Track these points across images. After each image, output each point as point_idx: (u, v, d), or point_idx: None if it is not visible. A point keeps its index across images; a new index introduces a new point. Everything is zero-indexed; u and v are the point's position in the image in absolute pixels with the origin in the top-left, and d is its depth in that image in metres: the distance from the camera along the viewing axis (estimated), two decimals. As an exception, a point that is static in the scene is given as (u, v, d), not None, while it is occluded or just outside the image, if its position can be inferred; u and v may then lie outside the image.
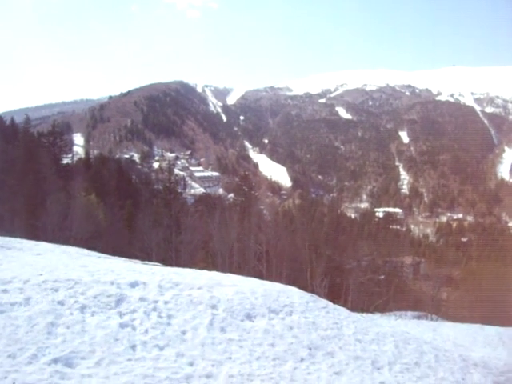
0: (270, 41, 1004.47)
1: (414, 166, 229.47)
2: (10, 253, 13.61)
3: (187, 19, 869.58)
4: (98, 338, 7.62)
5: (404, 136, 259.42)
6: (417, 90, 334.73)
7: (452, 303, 43.69)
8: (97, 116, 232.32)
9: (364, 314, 23.67)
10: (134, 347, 7.66)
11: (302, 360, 8.87)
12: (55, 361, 6.68)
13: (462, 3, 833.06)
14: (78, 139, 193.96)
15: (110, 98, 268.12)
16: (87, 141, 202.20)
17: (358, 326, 11.76)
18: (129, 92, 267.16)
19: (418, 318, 33.03)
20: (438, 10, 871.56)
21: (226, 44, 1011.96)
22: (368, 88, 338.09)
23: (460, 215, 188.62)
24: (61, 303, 8.53)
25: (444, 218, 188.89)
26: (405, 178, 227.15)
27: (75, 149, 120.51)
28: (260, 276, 26.29)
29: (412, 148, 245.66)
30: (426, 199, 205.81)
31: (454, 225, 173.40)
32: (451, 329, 22.21)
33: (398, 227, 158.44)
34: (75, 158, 76.02)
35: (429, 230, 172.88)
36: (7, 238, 17.67)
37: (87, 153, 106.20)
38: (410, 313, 35.34)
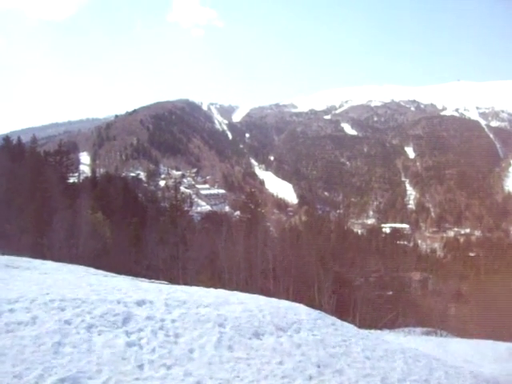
0: (274, 58, 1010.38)
1: (420, 182, 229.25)
2: (16, 272, 13.62)
3: (192, 38, 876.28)
4: (104, 357, 7.57)
5: (410, 151, 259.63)
6: (422, 106, 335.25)
7: (461, 318, 43.33)
8: (103, 135, 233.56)
9: (372, 331, 23.53)
10: (141, 366, 7.60)
11: (310, 378, 8.77)
12: (62, 381, 6.63)
13: (467, 18, 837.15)
14: (85, 158, 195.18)
15: (116, 116, 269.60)
16: (93, 159, 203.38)
17: (367, 343, 11.66)
18: (134, 111, 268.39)
19: (427, 333, 32.78)
20: (442, 25, 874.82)
21: (230, 62, 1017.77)
22: (373, 104, 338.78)
23: (467, 230, 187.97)
24: (67, 322, 8.49)
25: (451, 233, 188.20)
26: (411, 193, 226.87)
27: (81, 167, 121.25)
28: (267, 293, 26.16)
29: (418, 163, 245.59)
30: (432, 214, 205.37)
31: (462, 240, 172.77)
32: (461, 345, 22.03)
33: (405, 243, 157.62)
34: (82, 177, 76.36)
35: (436, 245, 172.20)
36: (14, 257, 17.70)
37: (93, 171, 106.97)
38: (418, 329, 35.08)
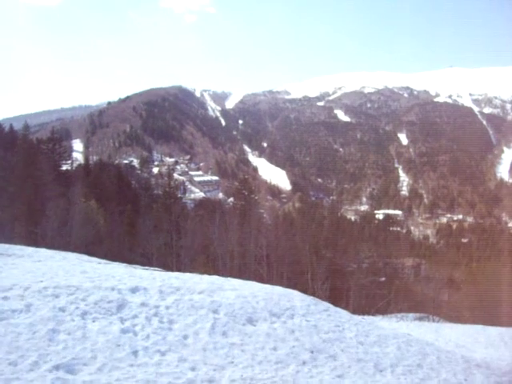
0: (267, 45, 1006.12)
1: (413, 168, 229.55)
2: (10, 260, 13.59)
3: (185, 24, 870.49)
4: (99, 344, 7.60)
5: (403, 138, 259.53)
6: (415, 92, 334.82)
7: (453, 304, 43.64)
8: (96, 122, 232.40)
9: (365, 317, 23.64)
10: (135, 353, 7.64)
11: (304, 363, 8.85)
12: (57, 367, 6.66)
13: (460, 4, 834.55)
14: (78, 145, 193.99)
15: (109, 103, 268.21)
16: (86, 147, 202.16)
17: (360, 329, 11.75)
18: (127, 97, 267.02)
19: (420, 319, 32.95)
20: (435, 12, 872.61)
21: (223, 48, 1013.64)
22: (366, 90, 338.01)
23: (460, 216, 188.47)
24: (62, 310, 8.51)
25: (444, 220, 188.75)
26: (404, 179, 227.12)
27: (74, 155, 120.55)
28: (261, 279, 26.27)
29: (411, 150, 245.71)
30: (425, 200, 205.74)
31: (454, 226, 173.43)
32: (453, 330, 22.18)
33: (399, 229, 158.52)
34: (74, 164, 75.92)
35: (429, 232, 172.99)
36: (7, 245, 17.65)
37: (86, 159, 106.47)
38: (411, 314, 35.26)
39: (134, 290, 10.31)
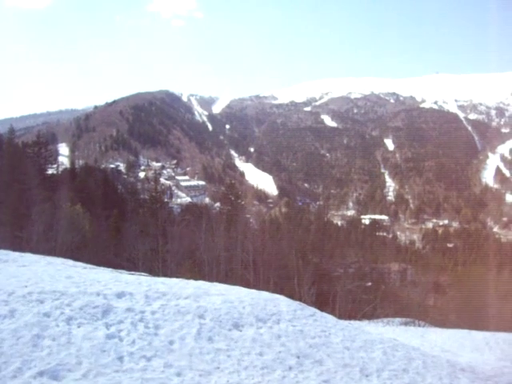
0: (254, 50, 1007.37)
1: (399, 173, 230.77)
2: (-6, 265, 13.49)
3: (172, 28, 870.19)
4: (84, 349, 7.55)
5: (389, 143, 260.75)
6: (401, 98, 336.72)
7: (439, 309, 43.91)
8: (82, 126, 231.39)
9: (352, 321, 23.69)
10: (121, 358, 7.60)
11: (290, 368, 8.85)
12: (41, 374, 6.61)
13: (446, 11, 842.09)
14: (63, 149, 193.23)
15: (95, 107, 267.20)
16: (72, 151, 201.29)
17: (346, 334, 11.77)
18: (114, 101, 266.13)
19: (406, 324, 33.09)
20: (421, 18, 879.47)
21: (211, 53, 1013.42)
22: (353, 96, 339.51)
23: (446, 221, 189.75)
24: (46, 315, 8.46)
25: (430, 225, 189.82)
26: (390, 184, 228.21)
27: (60, 159, 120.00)
28: (247, 284, 26.24)
29: (397, 155, 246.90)
30: (411, 206, 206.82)
31: (440, 231, 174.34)
32: (438, 334, 22.27)
33: (385, 234, 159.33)
34: (60, 169, 75.56)
35: (415, 237, 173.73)
36: (-8, 250, 17.51)
37: (72, 163, 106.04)
38: (397, 319, 35.39)
39: (119, 296, 10.27)
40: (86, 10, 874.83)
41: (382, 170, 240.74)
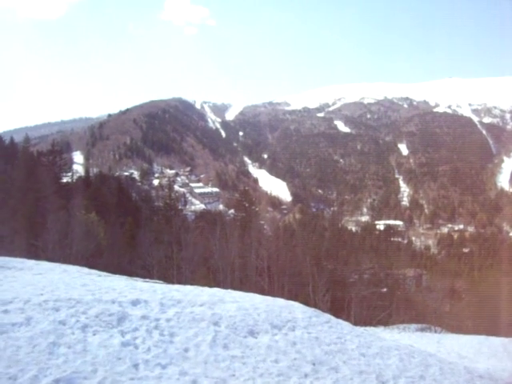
0: (267, 57, 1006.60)
1: (413, 178, 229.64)
2: (10, 273, 13.58)
3: (185, 36, 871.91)
4: (100, 357, 7.56)
5: (403, 148, 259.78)
6: (414, 102, 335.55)
7: (455, 315, 43.47)
8: (96, 134, 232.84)
9: (367, 328, 23.56)
10: (136, 366, 7.60)
11: (306, 376, 8.80)
12: (57, 381, 6.62)
13: (458, 15, 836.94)
14: (78, 157, 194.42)
15: (109, 115, 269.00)
16: (87, 159, 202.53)
17: (362, 340, 11.70)
18: (128, 110, 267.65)
19: (422, 330, 32.84)
20: (434, 22, 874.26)
21: (223, 60, 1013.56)
22: (366, 101, 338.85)
23: (461, 226, 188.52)
24: (62, 323, 8.48)
25: (445, 230, 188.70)
26: (405, 190, 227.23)
27: (75, 167, 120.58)
28: (262, 291, 26.21)
29: (411, 160, 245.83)
30: (426, 211, 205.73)
31: (456, 236, 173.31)
32: (455, 340, 22.08)
33: (400, 239, 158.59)
34: (75, 177, 75.95)
35: (430, 242, 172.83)
36: (7, 258, 17.63)
37: (87, 171, 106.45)
38: (413, 325, 35.13)
39: (134, 303, 10.29)
40: (99, 19, 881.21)
41: (396, 176, 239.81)
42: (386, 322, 36.25)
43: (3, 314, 8.37)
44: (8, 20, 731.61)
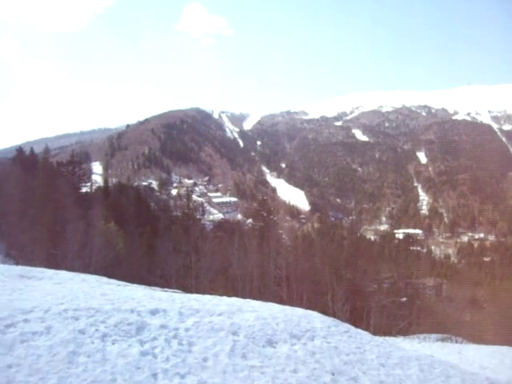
0: (284, 66, 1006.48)
1: (432, 187, 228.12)
2: (30, 282, 13.67)
3: (202, 47, 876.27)
4: (119, 366, 7.57)
5: (422, 156, 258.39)
6: (433, 110, 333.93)
7: (476, 325, 42.92)
8: (115, 144, 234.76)
9: (387, 338, 23.37)
10: (155, 375, 7.60)
11: (325, 386, 8.74)
12: (76, 390, 6.65)
13: (477, 22, 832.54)
14: (97, 168, 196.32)
15: (128, 126, 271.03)
16: (106, 169, 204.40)
17: (382, 350, 11.59)
18: (146, 120, 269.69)
19: (442, 340, 32.45)
20: (452, 29, 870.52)
21: (241, 70, 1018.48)
22: (384, 109, 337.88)
23: (481, 235, 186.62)
24: (82, 332, 8.52)
25: (465, 238, 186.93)
26: (424, 198, 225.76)
27: (94, 177, 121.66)
28: (280, 301, 26.10)
29: (430, 168, 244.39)
30: (446, 219, 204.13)
31: (476, 245, 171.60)
32: (477, 351, 21.77)
33: (419, 248, 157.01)
34: (94, 187, 76.56)
35: (450, 251, 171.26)
36: (28, 268, 17.78)
37: (106, 181, 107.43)
38: (433, 335, 34.73)
39: (153, 312, 10.30)
40: (117, 31, 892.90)
41: (415, 184, 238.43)
42: (405, 331, 35.91)
43: (24, 323, 8.43)
44: (29, 33, 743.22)
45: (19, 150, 68.58)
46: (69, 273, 19.11)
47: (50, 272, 17.66)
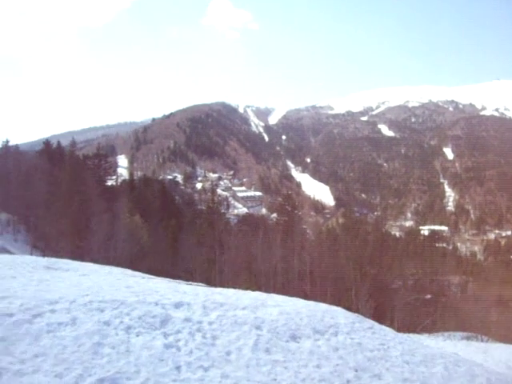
0: (310, 60, 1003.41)
1: (459, 183, 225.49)
2: (56, 273, 13.82)
3: (228, 41, 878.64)
4: (143, 358, 7.61)
5: (448, 152, 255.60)
6: (460, 106, 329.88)
7: (502, 324, 42.40)
8: (140, 138, 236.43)
9: (411, 335, 23.19)
10: (178, 368, 7.62)
11: (348, 382, 8.68)
12: (101, 381, 6.68)
13: (505, 16, 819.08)
14: (122, 161, 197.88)
15: (153, 120, 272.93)
16: (131, 162, 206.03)
17: (406, 347, 11.49)
18: (171, 114, 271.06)
19: (467, 338, 32.15)
20: (479, 23, 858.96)
21: (266, 64, 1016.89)
22: (410, 104, 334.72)
23: (508, 232, 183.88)
24: (106, 324, 8.58)
25: (492, 236, 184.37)
26: (450, 194, 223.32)
27: (119, 170, 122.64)
28: (304, 296, 26.05)
29: (457, 164, 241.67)
30: (472, 216, 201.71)
31: (503, 242, 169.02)
32: (503, 350, 21.51)
33: (444, 245, 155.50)
34: (119, 180, 77.22)
35: (476, 248, 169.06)
36: (54, 259, 17.97)
37: (131, 174, 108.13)
38: (458, 333, 34.42)
39: (177, 305, 10.33)
40: (143, 26, 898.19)
41: (442, 180, 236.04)
42: (430, 329, 35.67)
43: (50, 314, 8.52)
44: (56, 28, 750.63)
45: (46, 143, 69.21)
46: (94, 265, 19.30)
47: (76, 264, 17.86)
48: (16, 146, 70.72)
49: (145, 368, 7.32)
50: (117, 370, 7.04)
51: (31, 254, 34.43)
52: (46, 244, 41.72)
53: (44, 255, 30.29)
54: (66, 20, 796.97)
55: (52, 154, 63.37)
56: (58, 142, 74.74)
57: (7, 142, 69.18)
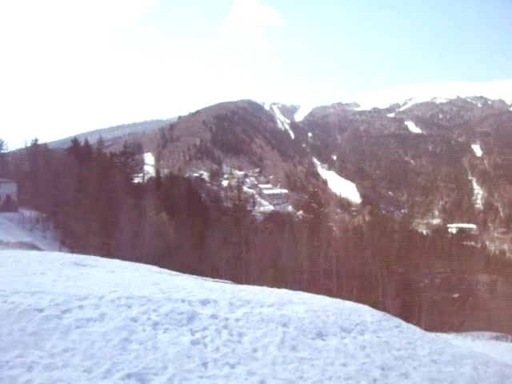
0: (336, 57, 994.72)
1: (488, 180, 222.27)
2: (85, 270, 13.98)
3: (253, 38, 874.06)
4: (170, 354, 7.67)
5: (477, 149, 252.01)
6: (489, 102, 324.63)
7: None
8: (167, 136, 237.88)
9: (438, 334, 22.98)
10: (205, 364, 7.66)
11: (374, 381, 8.64)
12: (129, 376, 6.75)
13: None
14: (149, 159, 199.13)
15: (179, 117, 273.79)
16: (157, 160, 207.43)
17: (433, 347, 11.39)
18: (197, 111, 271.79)
19: (497, 338, 31.75)
20: (508, 17, 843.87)
21: (292, 61, 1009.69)
22: (438, 101, 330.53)
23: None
24: (134, 320, 8.66)
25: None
26: (478, 192, 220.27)
27: (146, 168, 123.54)
28: (330, 294, 25.98)
29: (486, 161, 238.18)
30: (501, 214, 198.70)
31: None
32: (533, 351, 21.21)
33: (473, 243, 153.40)
34: (146, 177, 77.88)
35: (505, 247, 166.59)
36: (82, 256, 18.21)
37: (158, 172, 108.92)
38: (487, 333, 33.97)
39: (204, 302, 10.38)
40: (169, 24, 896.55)
41: (470, 177, 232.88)
42: (458, 328, 35.30)
43: (79, 310, 8.63)
44: (84, 27, 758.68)
45: (74, 141, 69.99)
46: (122, 262, 19.49)
47: (104, 260, 18.05)
48: (45, 145, 71.93)
49: (172, 364, 7.37)
50: (144, 366, 7.11)
51: (60, 251, 34.94)
52: (75, 241, 42.27)
53: (72, 252, 30.74)
54: (93, 19, 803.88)
55: (80, 152, 64.05)
56: (86, 140, 75.49)
57: (36, 140, 70.31)
